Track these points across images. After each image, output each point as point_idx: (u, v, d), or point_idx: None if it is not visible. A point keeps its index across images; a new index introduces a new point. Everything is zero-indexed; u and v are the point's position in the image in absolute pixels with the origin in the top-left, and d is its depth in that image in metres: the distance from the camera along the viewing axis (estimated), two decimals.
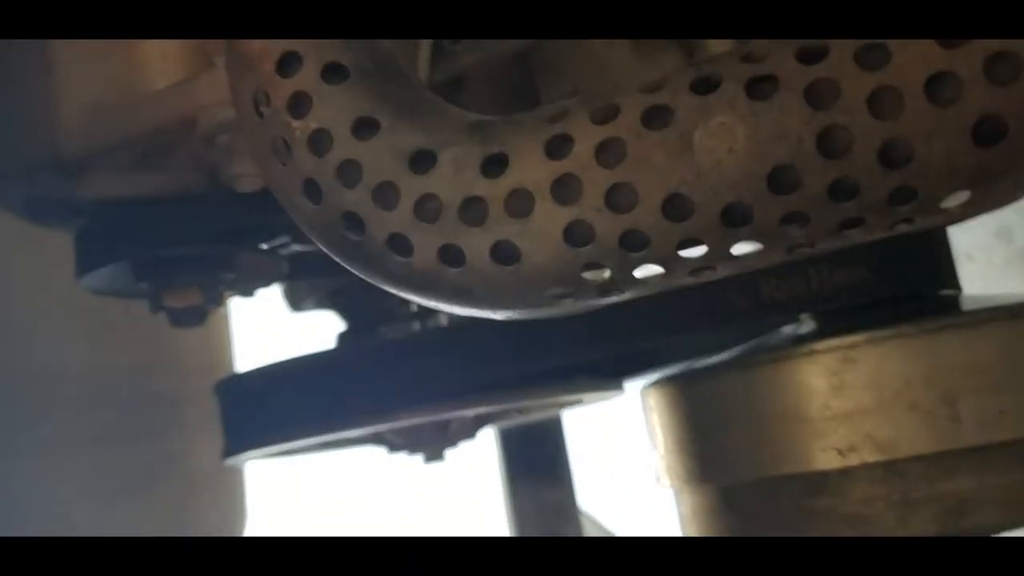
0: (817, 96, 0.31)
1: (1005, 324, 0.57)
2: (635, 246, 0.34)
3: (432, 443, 0.90)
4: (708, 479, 0.64)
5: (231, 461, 0.81)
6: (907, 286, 0.65)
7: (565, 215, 0.34)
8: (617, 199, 0.33)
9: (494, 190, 0.35)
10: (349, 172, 0.37)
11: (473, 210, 0.35)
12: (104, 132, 0.58)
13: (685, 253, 0.34)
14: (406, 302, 0.93)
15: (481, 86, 0.63)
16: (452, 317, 0.91)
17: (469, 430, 0.92)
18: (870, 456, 0.56)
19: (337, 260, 0.40)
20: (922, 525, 0.55)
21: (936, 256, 0.67)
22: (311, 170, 0.38)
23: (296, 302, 0.97)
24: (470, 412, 0.84)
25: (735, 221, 0.33)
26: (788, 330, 0.69)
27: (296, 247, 0.71)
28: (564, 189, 0.34)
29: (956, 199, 0.31)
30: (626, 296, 0.37)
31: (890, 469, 0.56)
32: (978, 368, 0.56)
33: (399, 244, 0.36)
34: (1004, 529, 0.56)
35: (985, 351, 0.57)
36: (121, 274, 0.67)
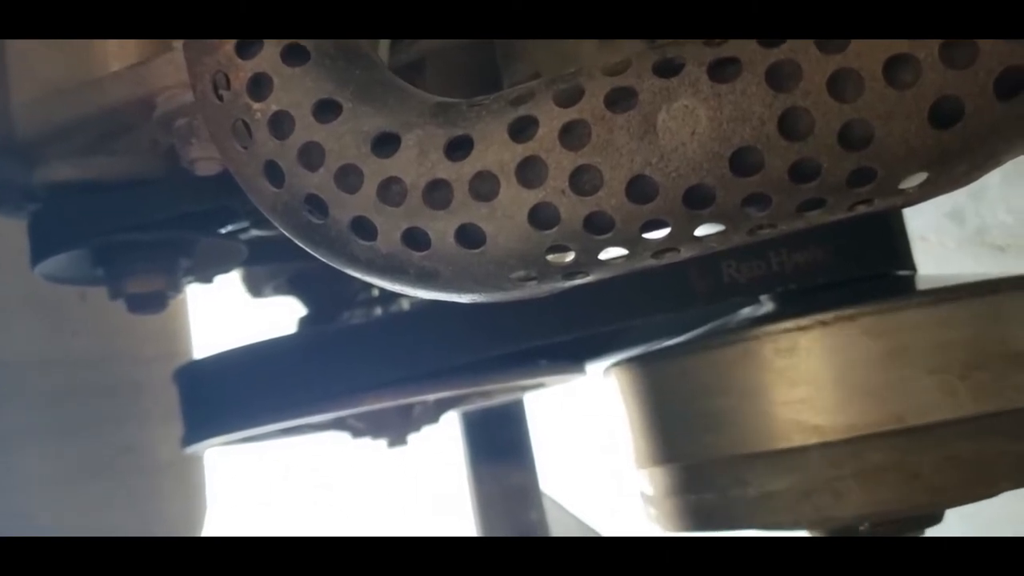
0: (778, 78, 0.31)
1: (959, 304, 0.58)
2: (599, 228, 0.34)
3: (395, 428, 0.90)
4: (670, 459, 0.64)
5: (191, 449, 0.81)
6: (864, 267, 0.66)
7: (530, 198, 0.34)
8: (582, 181, 0.33)
9: (459, 173, 0.34)
10: (311, 155, 0.37)
11: (438, 193, 0.35)
12: (59, 115, 0.57)
13: (649, 235, 0.34)
14: (368, 287, 0.92)
15: (441, 70, 0.63)
16: (414, 302, 0.91)
17: (432, 415, 0.92)
18: (830, 435, 0.57)
19: (299, 244, 0.39)
20: (884, 502, 0.56)
21: (892, 238, 0.68)
22: (272, 153, 0.37)
23: (256, 288, 0.97)
24: (432, 396, 0.84)
25: (698, 203, 0.33)
26: (748, 311, 0.70)
27: (256, 232, 0.70)
28: (529, 172, 0.34)
29: (914, 180, 0.32)
30: (590, 279, 0.37)
31: (850, 447, 0.56)
32: (933, 347, 0.57)
33: (362, 227, 0.36)
34: (966, 502, 0.57)
35: (940, 330, 0.58)
36: (78, 261, 0.66)
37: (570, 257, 0.35)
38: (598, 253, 0.35)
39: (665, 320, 0.75)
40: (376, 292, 0.94)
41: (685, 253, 0.36)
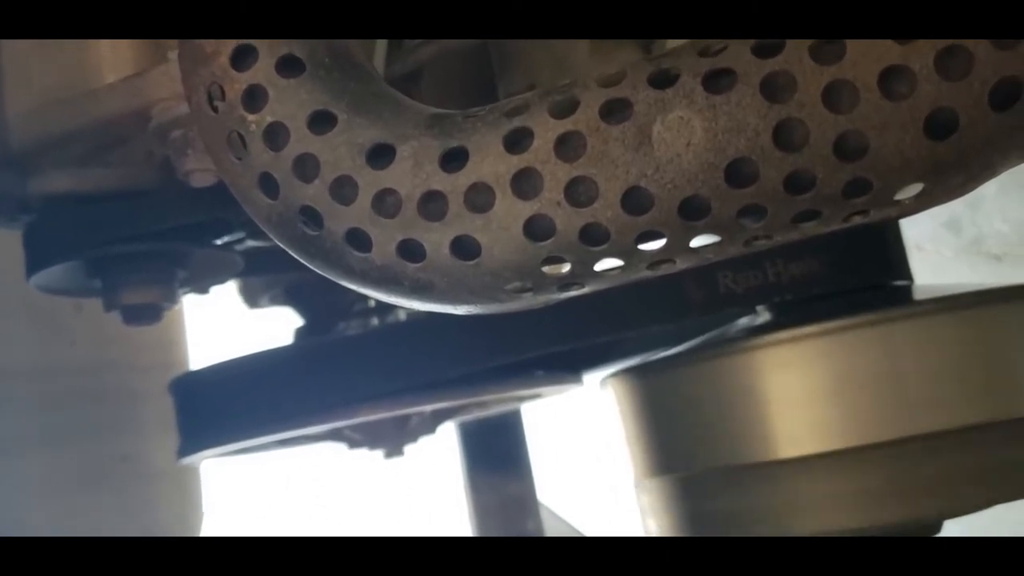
0: (773, 89, 0.31)
1: (956, 314, 0.58)
2: (595, 240, 0.34)
3: (392, 439, 0.90)
4: (668, 469, 0.64)
5: (187, 460, 0.80)
6: (861, 278, 0.66)
7: (525, 209, 0.34)
8: (577, 193, 0.33)
9: (454, 184, 0.34)
10: (306, 166, 0.36)
11: (433, 205, 0.35)
12: (54, 126, 0.56)
13: (644, 246, 0.34)
14: (364, 297, 0.92)
15: (438, 80, 0.63)
16: (410, 312, 0.91)
17: (429, 425, 0.92)
18: (825, 445, 0.57)
19: (294, 256, 0.39)
20: (877, 513, 0.56)
21: (889, 248, 0.68)
22: (267, 164, 0.37)
23: (252, 299, 0.96)
24: (429, 407, 0.84)
25: (693, 214, 0.33)
26: (744, 321, 0.70)
27: (251, 243, 0.70)
28: (524, 183, 0.34)
29: (909, 191, 0.32)
30: (586, 290, 0.37)
31: (845, 458, 0.56)
32: (929, 357, 0.57)
33: (357, 239, 0.36)
34: (957, 514, 0.57)
35: (936, 340, 0.58)
36: (73, 272, 0.66)
37: (565, 269, 0.35)
38: (593, 264, 0.35)
39: (662, 331, 0.75)
40: (372, 303, 0.94)
41: (681, 264, 0.36)
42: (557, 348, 0.73)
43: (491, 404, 0.96)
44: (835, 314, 0.58)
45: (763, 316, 0.68)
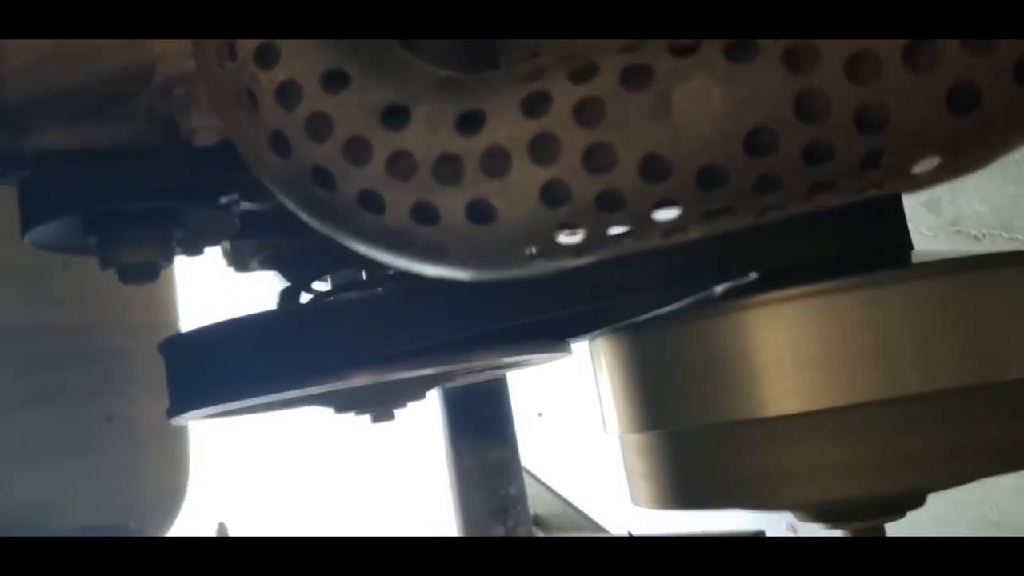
0: (795, 60, 0.31)
1: (948, 278, 0.59)
2: (611, 206, 0.34)
3: (380, 403, 0.90)
4: (655, 425, 0.64)
5: (175, 420, 0.80)
6: (855, 240, 0.66)
7: (542, 175, 0.34)
8: (595, 159, 0.33)
9: (470, 148, 0.34)
10: (319, 126, 0.36)
11: (448, 168, 0.35)
12: (55, 81, 0.55)
13: (659, 215, 0.34)
14: (353, 263, 0.92)
15: (437, 43, 0.62)
16: (400, 277, 0.91)
17: (418, 390, 0.92)
18: (814, 404, 0.57)
19: (304, 217, 0.39)
20: (868, 480, 0.56)
21: (887, 211, 0.68)
22: (279, 123, 0.37)
23: (241, 262, 0.96)
24: (416, 373, 0.84)
25: (710, 183, 0.33)
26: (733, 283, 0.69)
27: (246, 204, 0.69)
28: (542, 148, 0.34)
29: (927, 164, 0.32)
30: (598, 257, 0.37)
31: (832, 418, 0.57)
32: (920, 320, 0.58)
33: (370, 201, 0.36)
34: (943, 487, 0.58)
35: (927, 304, 0.58)
36: (68, 229, 0.65)
37: (580, 235, 0.35)
38: (608, 231, 0.35)
39: (652, 298, 0.75)
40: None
41: (693, 233, 0.36)
42: (549, 315, 0.73)
43: (479, 370, 0.96)
44: (826, 276, 0.58)
45: (752, 275, 0.68)
